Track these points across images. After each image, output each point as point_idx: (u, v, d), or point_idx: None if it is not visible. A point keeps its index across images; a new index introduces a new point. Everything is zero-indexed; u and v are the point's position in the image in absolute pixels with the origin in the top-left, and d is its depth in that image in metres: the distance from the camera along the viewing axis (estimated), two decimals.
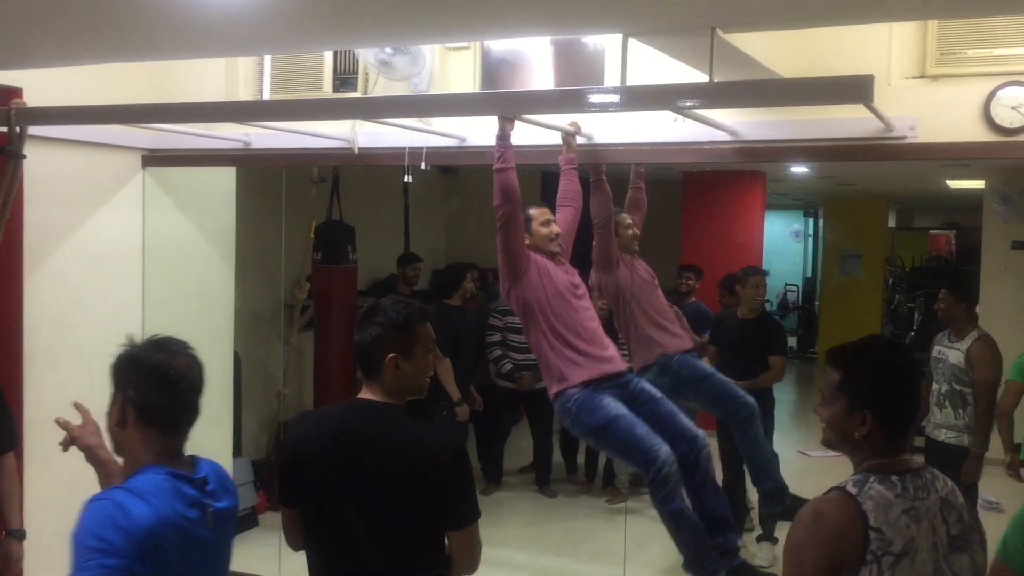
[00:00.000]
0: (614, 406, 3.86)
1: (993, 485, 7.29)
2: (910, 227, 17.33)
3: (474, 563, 2.44)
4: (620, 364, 4.04)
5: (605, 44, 4.33)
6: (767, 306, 7.87)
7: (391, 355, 2.41)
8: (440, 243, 9.46)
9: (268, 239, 6.23)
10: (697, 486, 3.99)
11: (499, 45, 4.58)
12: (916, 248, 16.71)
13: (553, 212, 4.30)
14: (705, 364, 4.99)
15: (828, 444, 2.20)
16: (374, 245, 7.21)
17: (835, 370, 2.15)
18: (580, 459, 7.10)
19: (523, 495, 7.03)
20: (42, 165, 4.50)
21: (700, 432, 4.06)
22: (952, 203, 13.71)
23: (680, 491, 3.84)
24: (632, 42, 3.26)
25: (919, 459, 2.11)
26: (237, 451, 6.08)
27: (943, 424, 5.38)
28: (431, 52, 4.57)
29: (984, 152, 3.84)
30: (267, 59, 4.92)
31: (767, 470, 4.77)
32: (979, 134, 3.75)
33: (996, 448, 7.83)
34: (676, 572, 4.82)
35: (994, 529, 2.53)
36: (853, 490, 1.96)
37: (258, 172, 5.98)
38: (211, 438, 5.22)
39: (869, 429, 2.06)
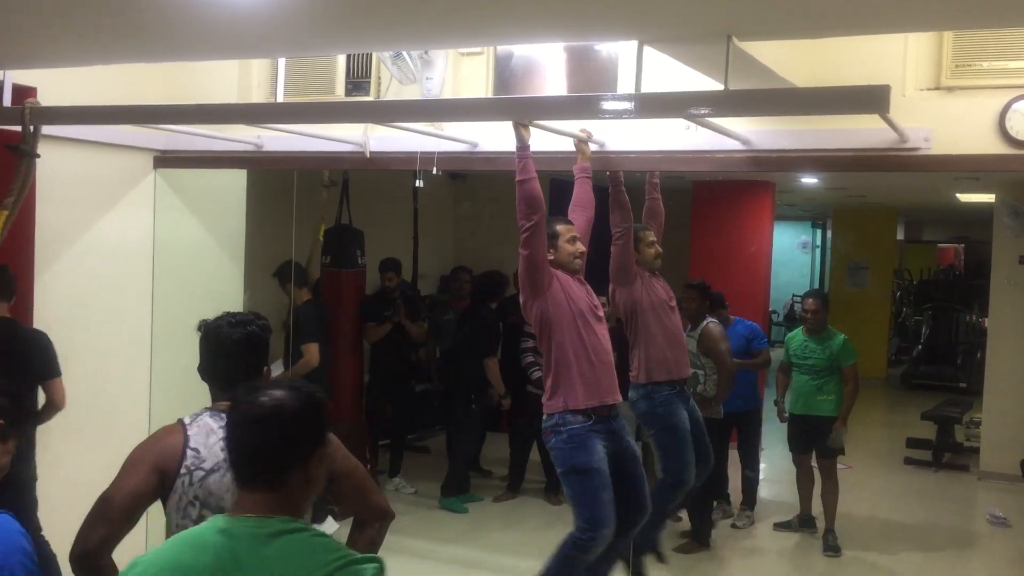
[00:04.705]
0: (600, 458, 3.92)
1: (1001, 501, 7.27)
2: (919, 240, 17.30)
3: (64, 402, 4.19)
4: (617, 396, 4.09)
5: (619, 51, 4.32)
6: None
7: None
8: (449, 248, 9.46)
9: (278, 241, 6.23)
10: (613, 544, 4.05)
11: (513, 51, 4.57)
12: (924, 261, 16.67)
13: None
14: (690, 415, 4.88)
15: None
16: (383, 249, 7.20)
17: None
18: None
19: (530, 502, 7.01)
20: (55, 164, 4.50)
21: (650, 505, 4.19)
22: (961, 216, 13.65)
23: (584, 566, 3.98)
24: (647, 49, 3.25)
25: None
26: None
27: None
28: (444, 57, 4.57)
29: (999, 165, 3.82)
30: (281, 62, 4.93)
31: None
32: (994, 146, 3.74)
33: (1004, 463, 7.83)
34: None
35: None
36: (187, 420, 2.49)
37: (269, 175, 5.99)
38: None
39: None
